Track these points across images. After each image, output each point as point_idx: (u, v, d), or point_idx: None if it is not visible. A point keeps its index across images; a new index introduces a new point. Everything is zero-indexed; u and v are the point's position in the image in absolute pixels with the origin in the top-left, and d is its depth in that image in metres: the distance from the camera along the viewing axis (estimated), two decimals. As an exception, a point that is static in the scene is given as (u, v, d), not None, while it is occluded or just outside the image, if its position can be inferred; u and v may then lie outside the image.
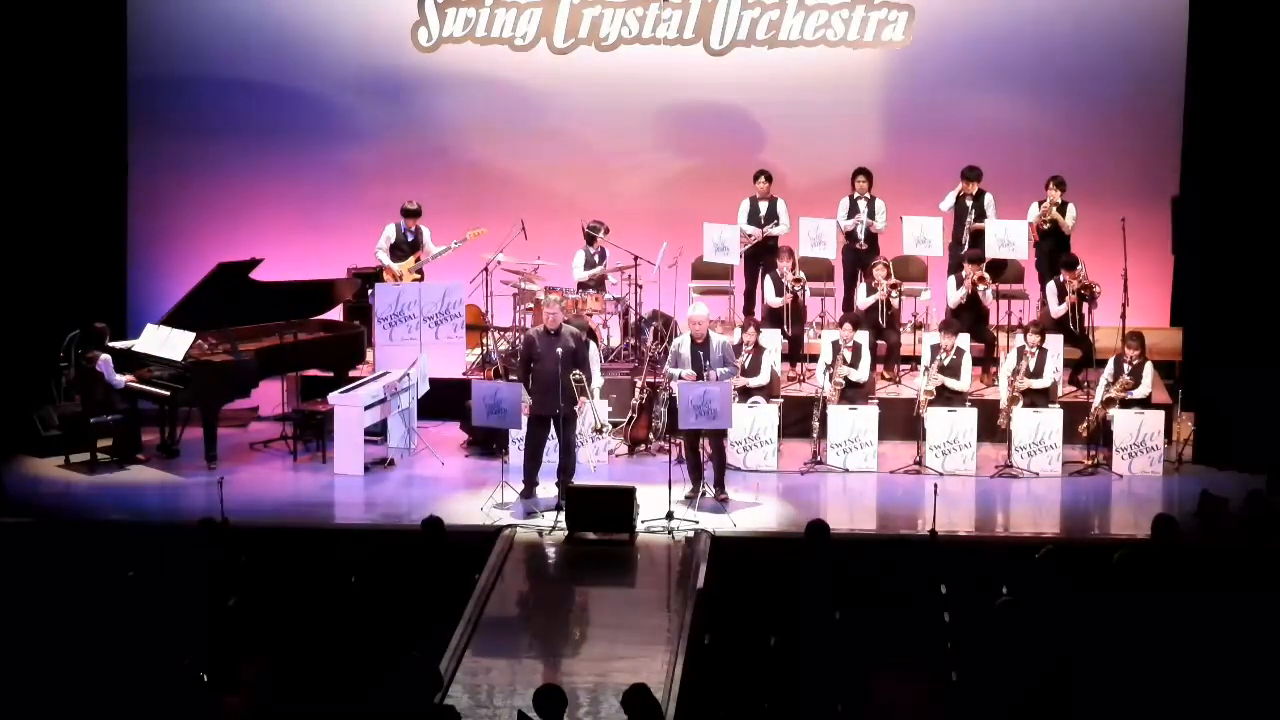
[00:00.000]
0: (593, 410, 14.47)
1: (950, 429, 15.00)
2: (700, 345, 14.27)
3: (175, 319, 15.40)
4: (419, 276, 16.79)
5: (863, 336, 15.65)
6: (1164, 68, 17.09)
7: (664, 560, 13.44)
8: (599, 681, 11.30)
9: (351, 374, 15.97)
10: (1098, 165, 17.14)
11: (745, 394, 15.17)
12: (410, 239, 16.79)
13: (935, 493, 13.44)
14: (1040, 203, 16.48)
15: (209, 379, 15.14)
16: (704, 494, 14.25)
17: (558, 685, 9.82)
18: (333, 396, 15.15)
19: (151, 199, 17.87)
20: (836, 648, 11.04)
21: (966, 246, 16.52)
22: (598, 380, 14.96)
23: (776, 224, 16.81)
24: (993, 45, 17.40)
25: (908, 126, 17.62)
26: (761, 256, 16.76)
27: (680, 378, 14.25)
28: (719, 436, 14.28)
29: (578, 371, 14.17)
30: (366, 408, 14.97)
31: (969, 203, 16.62)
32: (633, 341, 16.52)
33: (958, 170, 16.66)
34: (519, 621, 12.74)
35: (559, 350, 14.15)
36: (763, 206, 16.86)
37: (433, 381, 15.79)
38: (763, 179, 16.85)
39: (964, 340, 15.57)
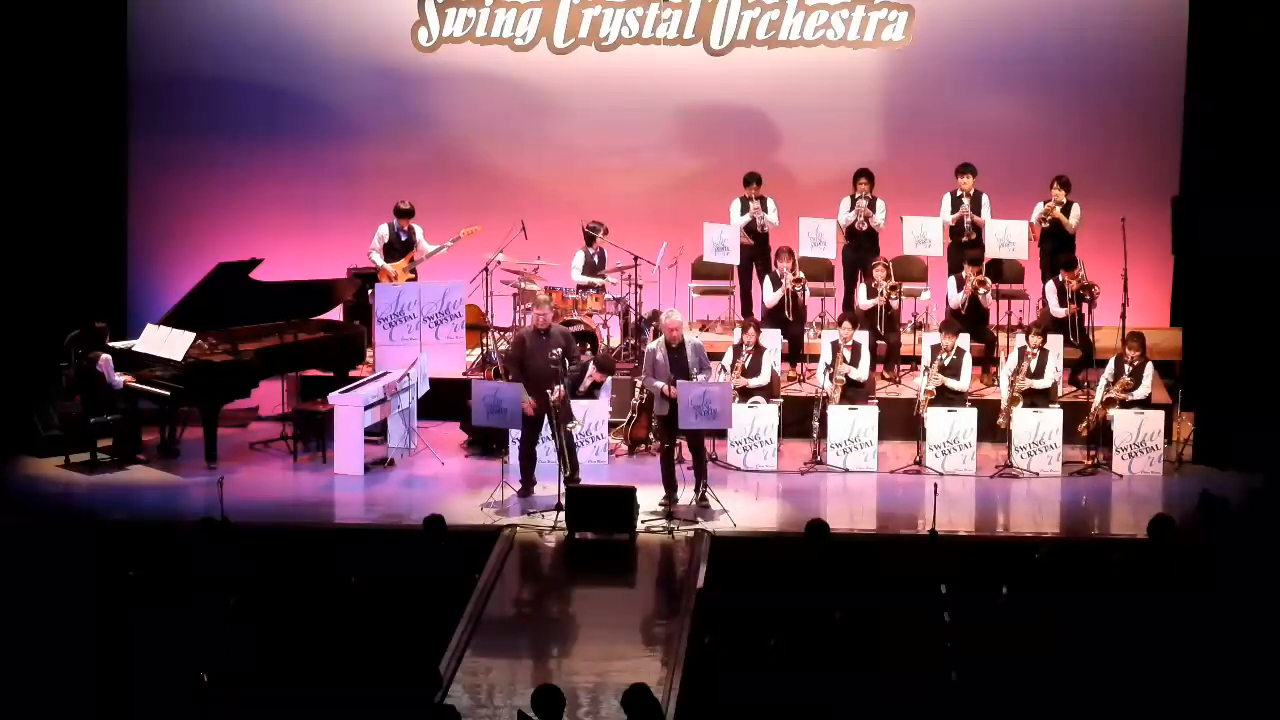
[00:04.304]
0: (566, 405, 14.42)
1: (950, 429, 15.00)
2: (675, 350, 14.20)
3: (175, 319, 15.39)
4: (413, 276, 16.80)
5: (862, 336, 15.65)
6: (1164, 68, 17.09)
7: (664, 560, 13.45)
8: (599, 681, 11.30)
9: (351, 374, 15.96)
10: (1098, 165, 17.14)
11: (745, 394, 15.17)
12: (404, 239, 16.80)
13: (935, 493, 13.45)
14: (1045, 202, 16.47)
15: (209, 379, 15.14)
16: (678, 502, 14.16)
17: (556, 685, 9.82)
18: (333, 396, 15.15)
19: (151, 199, 17.88)
20: (836, 648, 11.04)
21: (965, 234, 16.51)
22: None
23: (766, 211, 16.78)
24: (993, 45, 17.40)
25: (908, 126, 17.62)
26: (755, 258, 16.78)
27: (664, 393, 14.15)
28: (698, 442, 14.24)
29: (554, 357, 14.16)
30: (366, 408, 14.98)
31: (965, 201, 16.62)
32: (633, 341, 16.53)
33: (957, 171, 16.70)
34: (519, 621, 12.74)
35: (551, 350, 14.17)
36: (753, 205, 16.85)
37: (433, 381, 15.79)
38: (754, 184, 16.82)
39: (964, 340, 15.57)
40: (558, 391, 14.21)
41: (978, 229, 16.54)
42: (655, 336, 16.11)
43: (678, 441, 14.21)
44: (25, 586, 11.98)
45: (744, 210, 16.85)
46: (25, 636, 11.23)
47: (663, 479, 14.19)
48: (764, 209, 16.82)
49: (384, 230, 16.81)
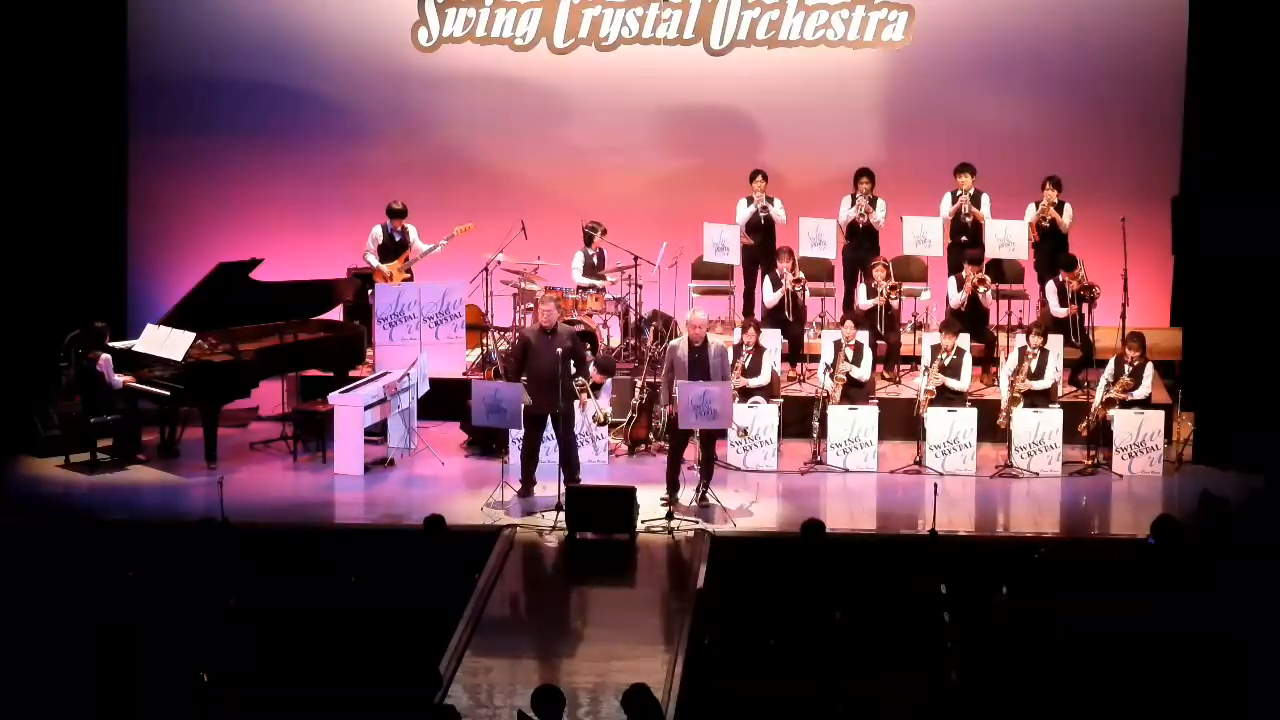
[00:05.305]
0: (595, 405, 14.49)
1: (950, 429, 15.00)
2: (698, 349, 14.22)
3: (175, 319, 15.39)
4: (409, 276, 16.81)
5: (862, 336, 15.66)
6: (1164, 68, 17.09)
7: (664, 560, 13.45)
8: (599, 681, 11.30)
9: (351, 374, 15.97)
10: (1098, 165, 17.15)
11: (745, 394, 15.17)
12: (398, 239, 16.81)
13: (935, 493, 13.45)
14: (1037, 203, 16.50)
15: (209, 379, 15.14)
16: (679, 502, 14.16)
17: (556, 685, 9.82)
18: (333, 396, 15.15)
19: (151, 199, 17.88)
20: (836, 648, 11.05)
21: (963, 224, 16.53)
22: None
23: (772, 204, 16.80)
24: (993, 45, 17.40)
25: (908, 126, 17.62)
26: (759, 258, 16.78)
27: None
28: (710, 441, 14.24)
29: (578, 375, 14.17)
30: (366, 408, 14.98)
31: (965, 198, 16.62)
32: (633, 341, 16.53)
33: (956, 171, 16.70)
34: (519, 621, 12.75)
35: (556, 349, 14.15)
36: (758, 196, 16.86)
37: (433, 381, 15.79)
38: (760, 178, 16.85)
39: (964, 340, 15.57)
40: (582, 398, 14.22)
41: (977, 223, 16.54)
42: (656, 337, 16.19)
43: (689, 441, 14.22)
44: (25, 586, 11.98)
45: (749, 205, 16.86)
46: (25, 636, 11.23)
47: (666, 477, 14.20)
48: (770, 204, 16.84)
49: (377, 231, 16.83)
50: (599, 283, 16.60)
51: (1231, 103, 15.33)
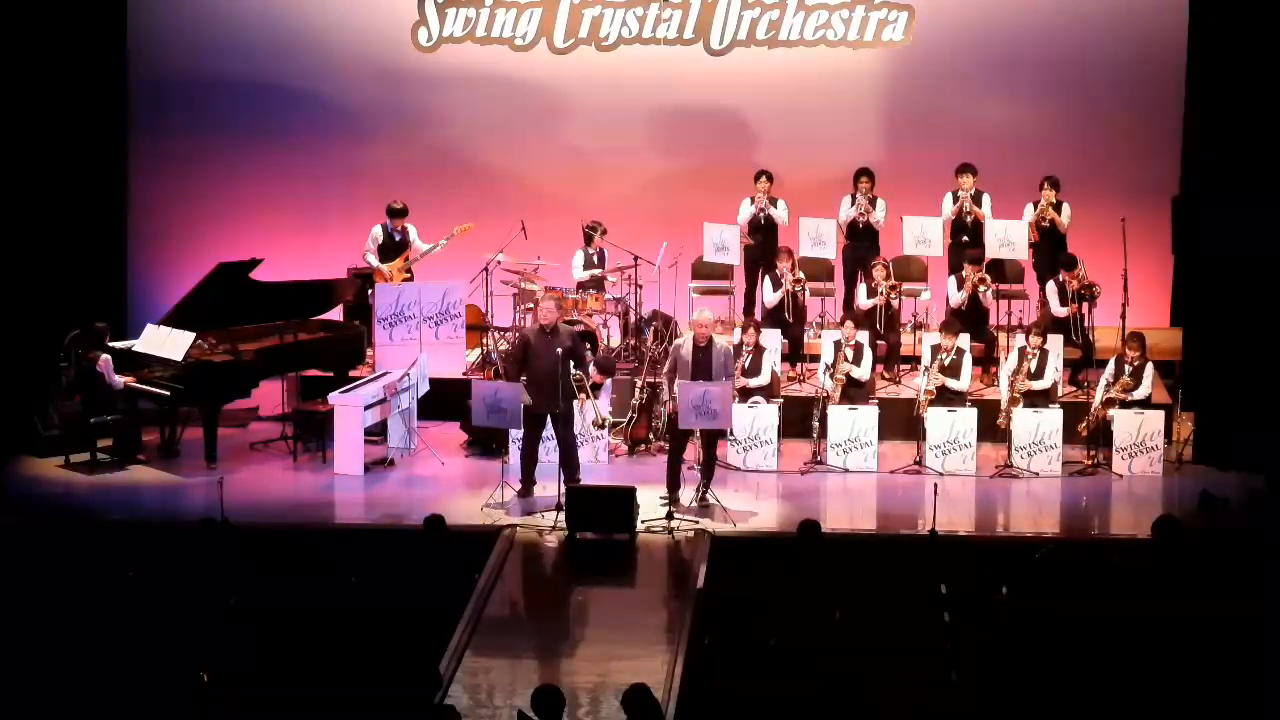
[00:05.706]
0: (593, 407, 14.51)
1: (950, 429, 15.00)
2: (702, 349, 14.22)
3: (175, 319, 15.40)
4: (409, 276, 16.81)
5: (862, 336, 15.66)
6: (1164, 68, 17.10)
7: (664, 560, 13.45)
8: (599, 681, 11.31)
9: (351, 374, 15.97)
10: (1098, 165, 17.16)
11: (745, 394, 15.17)
12: (398, 239, 16.81)
13: (935, 493, 13.45)
14: (1035, 204, 16.50)
15: (209, 379, 15.14)
16: (679, 501, 14.16)
17: (556, 685, 9.82)
18: (333, 396, 15.15)
19: (151, 199, 17.88)
20: (836, 648, 11.05)
21: (964, 222, 16.53)
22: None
23: (774, 206, 16.80)
24: (993, 45, 17.40)
25: (908, 126, 17.62)
26: (761, 258, 16.78)
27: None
28: (712, 441, 14.25)
29: (577, 371, 14.19)
30: (366, 408, 14.98)
31: (966, 199, 16.62)
32: (633, 341, 16.53)
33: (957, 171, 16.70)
34: (519, 621, 12.75)
35: (556, 349, 14.16)
36: (758, 198, 16.86)
37: (433, 381, 15.79)
38: (764, 179, 16.85)
39: (964, 340, 15.57)
40: (581, 398, 14.23)
41: (978, 223, 16.53)
42: (656, 337, 16.19)
43: (690, 441, 14.21)
44: (25, 586, 11.98)
45: (751, 204, 16.87)
46: (25, 636, 11.23)
47: (666, 477, 14.20)
48: (774, 205, 16.85)
49: (378, 231, 16.83)
50: (597, 272, 16.59)
51: (1231, 103, 15.33)
